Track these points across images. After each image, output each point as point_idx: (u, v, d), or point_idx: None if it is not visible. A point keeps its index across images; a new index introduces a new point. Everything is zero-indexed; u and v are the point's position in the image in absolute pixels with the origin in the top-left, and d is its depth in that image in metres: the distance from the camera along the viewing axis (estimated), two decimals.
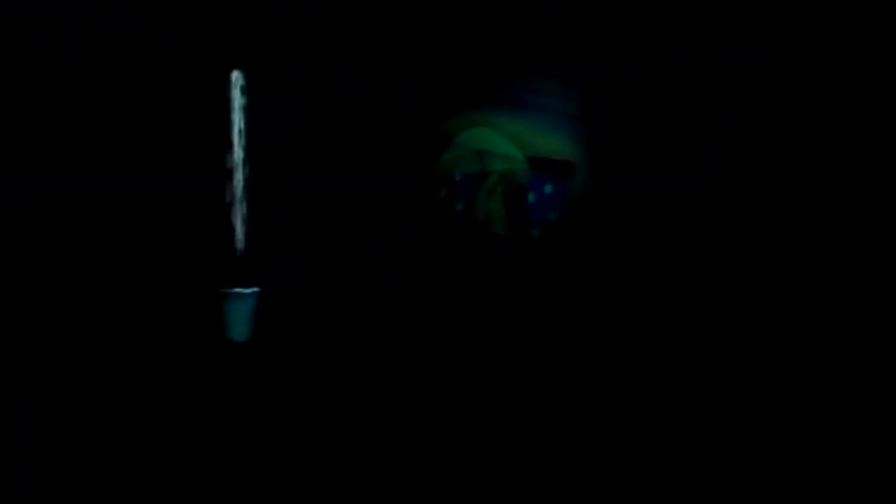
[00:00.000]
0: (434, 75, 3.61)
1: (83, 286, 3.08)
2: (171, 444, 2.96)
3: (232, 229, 3.29)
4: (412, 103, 3.58)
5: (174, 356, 3.16)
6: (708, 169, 3.42)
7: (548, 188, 3.69)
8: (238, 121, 3.23)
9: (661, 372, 3.00)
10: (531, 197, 3.70)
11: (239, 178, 3.25)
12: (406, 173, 3.58)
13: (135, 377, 3.09)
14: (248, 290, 3.36)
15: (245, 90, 3.25)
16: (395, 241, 3.59)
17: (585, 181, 3.66)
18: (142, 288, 3.14)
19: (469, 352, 3.43)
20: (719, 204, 3.34)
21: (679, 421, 2.77)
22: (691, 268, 3.40)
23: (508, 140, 3.64)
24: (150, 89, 3.12)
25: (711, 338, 3.04)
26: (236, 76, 3.27)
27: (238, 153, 3.25)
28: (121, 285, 3.10)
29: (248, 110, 3.27)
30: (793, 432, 2.63)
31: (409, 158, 3.58)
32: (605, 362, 3.14)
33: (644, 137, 3.61)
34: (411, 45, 3.57)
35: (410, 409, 3.01)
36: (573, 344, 3.35)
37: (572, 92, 3.67)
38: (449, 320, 3.58)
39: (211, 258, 3.29)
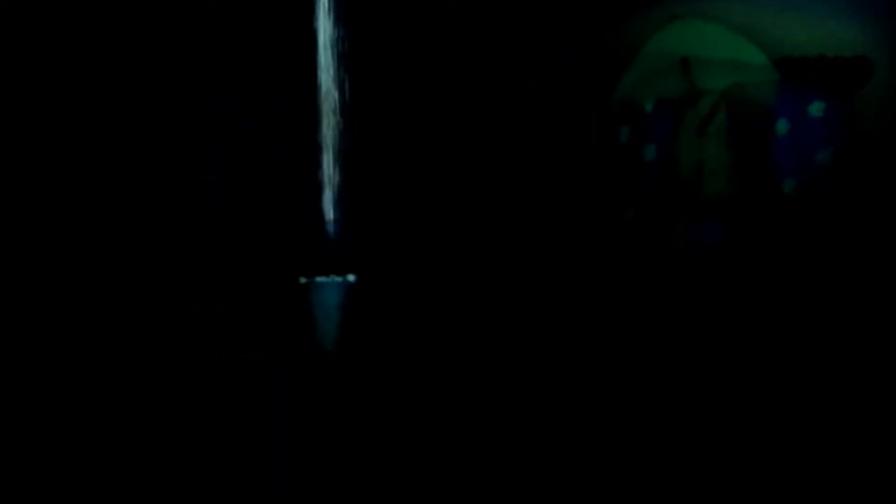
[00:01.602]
0: None
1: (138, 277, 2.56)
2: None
3: (320, 197, 2.44)
4: None
5: (243, 367, 2.42)
6: None
7: (815, 109, 2.10)
8: (325, 38, 2.36)
9: None
10: (781, 127, 2.15)
11: (329, 122, 2.40)
12: (560, 105, 2.32)
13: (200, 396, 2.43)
14: (339, 279, 2.47)
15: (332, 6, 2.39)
16: (543, 214, 2.34)
17: (887, 94, 1.98)
18: (195, 278, 2.48)
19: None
20: None
21: None
22: None
23: (739, 36, 2.16)
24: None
25: None
26: None
27: (328, 83, 2.38)
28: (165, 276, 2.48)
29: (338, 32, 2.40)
30: None
31: (563, 82, 2.31)
32: None
33: None
34: None
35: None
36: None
37: None
38: (628, 338, 2.21)
39: (292, 236, 2.47)
